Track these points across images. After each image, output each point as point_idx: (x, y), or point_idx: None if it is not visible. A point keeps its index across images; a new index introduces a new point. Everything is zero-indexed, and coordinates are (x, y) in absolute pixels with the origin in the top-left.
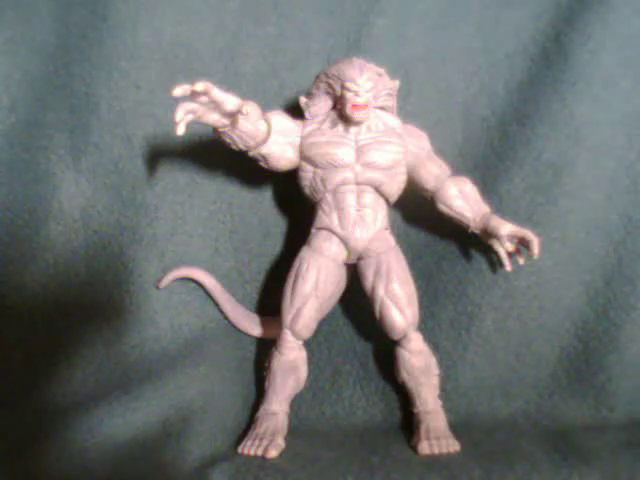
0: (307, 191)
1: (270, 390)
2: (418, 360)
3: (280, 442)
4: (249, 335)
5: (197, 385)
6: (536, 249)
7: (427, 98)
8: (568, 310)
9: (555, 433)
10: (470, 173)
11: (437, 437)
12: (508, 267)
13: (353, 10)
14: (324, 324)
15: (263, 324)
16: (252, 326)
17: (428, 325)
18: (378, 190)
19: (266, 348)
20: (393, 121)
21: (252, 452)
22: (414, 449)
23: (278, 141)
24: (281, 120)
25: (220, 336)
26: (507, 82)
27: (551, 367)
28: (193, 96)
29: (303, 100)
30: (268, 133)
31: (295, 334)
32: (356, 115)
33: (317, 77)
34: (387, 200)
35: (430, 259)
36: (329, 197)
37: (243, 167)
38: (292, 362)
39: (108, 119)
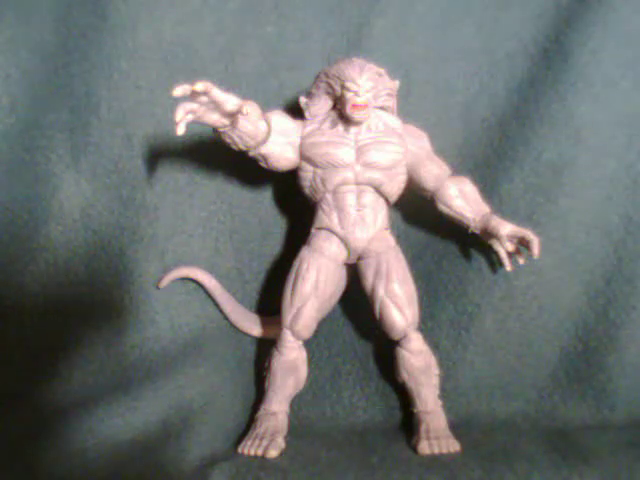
0: (307, 191)
1: (270, 390)
2: (418, 360)
3: (280, 442)
4: (249, 335)
5: (197, 385)
6: (536, 249)
7: (427, 98)
8: (568, 310)
9: (555, 433)
10: (470, 173)
11: (437, 437)
12: (508, 267)
13: (353, 10)
14: (324, 324)
15: (263, 324)
16: (252, 326)
17: (428, 325)
18: (378, 190)
19: (266, 348)
20: (393, 121)
21: (252, 452)
22: (414, 449)
23: (278, 141)
24: (281, 120)
25: (220, 336)
26: (507, 82)
27: (551, 367)
28: (193, 96)
29: (303, 100)
30: (268, 133)
31: (295, 334)
32: (356, 115)
33: (317, 77)
34: (387, 200)
35: (430, 259)
36: (329, 197)
37: (243, 167)
38: (292, 362)
39: (108, 119)
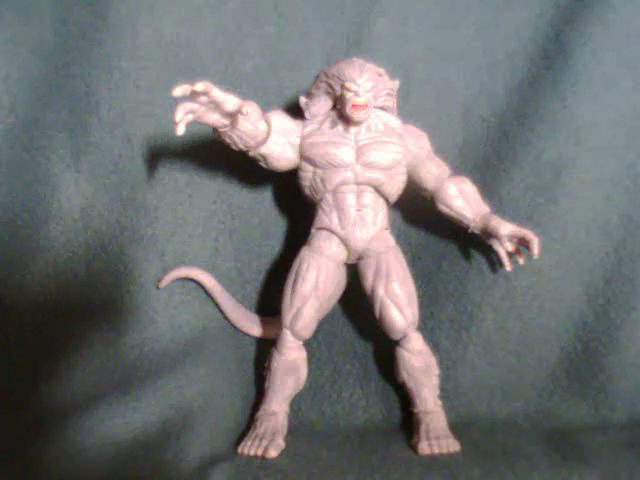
0: (307, 191)
1: (270, 390)
2: (418, 360)
3: (280, 442)
4: (249, 335)
5: (197, 385)
6: (536, 249)
7: (427, 98)
8: (568, 310)
9: (555, 433)
10: (470, 173)
11: (437, 437)
12: (508, 267)
13: (353, 10)
14: (324, 324)
15: (263, 324)
16: (252, 326)
17: (428, 325)
18: (378, 190)
19: (266, 348)
20: (393, 121)
21: (252, 452)
22: (414, 449)
23: (278, 141)
24: (281, 120)
25: (220, 336)
26: (507, 82)
27: (551, 367)
28: (193, 96)
29: (303, 100)
30: (268, 133)
31: (295, 334)
32: (356, 115)
33: (317, 77)
34: (387, 200)
35: (430, 259)
36: (329, 197)
37: (243, 167)
38: (292, 362)
39: (108, 119)
